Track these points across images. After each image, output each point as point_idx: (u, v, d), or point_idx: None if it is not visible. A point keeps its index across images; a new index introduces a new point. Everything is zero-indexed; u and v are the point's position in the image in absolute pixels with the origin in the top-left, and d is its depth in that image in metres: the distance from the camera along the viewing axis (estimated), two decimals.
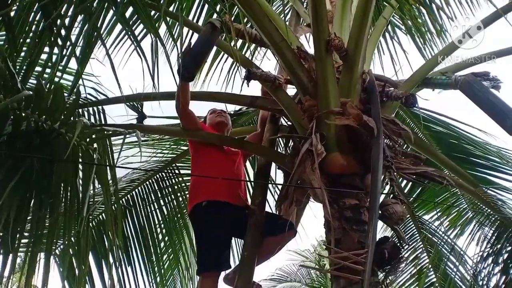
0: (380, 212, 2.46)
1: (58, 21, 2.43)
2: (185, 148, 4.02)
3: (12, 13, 2.51)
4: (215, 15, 3.44)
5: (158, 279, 3.92)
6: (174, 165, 4.20)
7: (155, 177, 4.10)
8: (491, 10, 3.03)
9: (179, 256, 4.10)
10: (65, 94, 2.57)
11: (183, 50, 2.67)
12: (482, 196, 3.56)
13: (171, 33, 2.78)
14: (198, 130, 3.13)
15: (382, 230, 3.80)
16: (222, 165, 3.08)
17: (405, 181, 4.21)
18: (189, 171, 3.98)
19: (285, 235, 2.92)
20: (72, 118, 2.40)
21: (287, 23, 3.78)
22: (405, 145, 3.32)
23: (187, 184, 4.01)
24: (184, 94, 2.95)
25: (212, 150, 3.12)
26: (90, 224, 3.51)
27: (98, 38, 2.55)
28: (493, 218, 3.83)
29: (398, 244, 2.61)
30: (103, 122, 2.86)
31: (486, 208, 3.74)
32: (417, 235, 4.22)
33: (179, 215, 4.11)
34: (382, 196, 2.61)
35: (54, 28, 2.45)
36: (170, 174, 4.12)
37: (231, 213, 2.95)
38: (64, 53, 2.60)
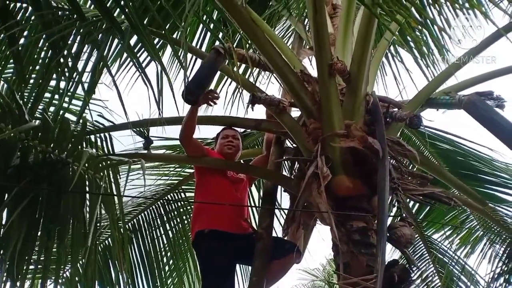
0: (388, 235, 2.44)
1: (65, 52, 2.47)
2: (191, 170, 4.04)
3: (21, 40, 2.56)
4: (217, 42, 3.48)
5: None
6: (179, 188, 4.21)
7: (160, 201, 4.11)
8: (492, 29, 3.04)
9: (183, 279, 4.08)
10: (73, 120, 2.61)
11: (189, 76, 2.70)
12: (490, 214, 3.52)
13: (179, 59, 2.81)
14: (203, 157, 3.13)
15: (391, 252, 3.76)
16: (225, 193, 3.07)
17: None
18: (193, 194, 3.98)
19: (291, 258, 2.90)
20: (79, 147, 2.43)
21: (290, 46, 3.83)
22: (412, 165, 3.31)
23: (193, 206, 4.01)
24: (190, 123, 2.96)
25: (217, 176, 3.12)
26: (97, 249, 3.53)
27: (104, 67, 2.60)
28: (504, 236, 3.79)
29: (408, 267, 2.58)
30: (110, 148, 2.88)
31: (496, 227, 3.70)
32: (427, 254, 4.17)
33: (183, 238, 4.12)
34: (390, 219, 2.59)
35: (61, 59, 2.50)
36: (176, 198, 4.12)
37: (234, 242, 2.93)
38: (71, 80, 2.64)
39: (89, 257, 2.48)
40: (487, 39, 3.07)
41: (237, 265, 3.40)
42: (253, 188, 4.12)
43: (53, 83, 2.82)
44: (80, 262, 2.70)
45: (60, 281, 2.77)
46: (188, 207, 4.14)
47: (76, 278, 2.83)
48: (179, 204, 4.16)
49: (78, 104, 3.20)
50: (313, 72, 3.00)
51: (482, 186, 4.06)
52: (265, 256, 2.87)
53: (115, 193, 2.49)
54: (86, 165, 2.37)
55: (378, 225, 2.42)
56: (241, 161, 3.59)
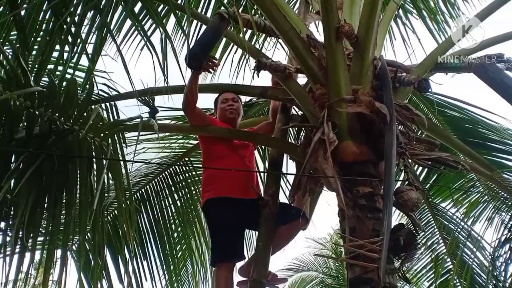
0: (394, 199, 2.44)
1: (68, 18, 2.44)
2: (196, 141, 4.04)
3: (23, 12, 2.53)
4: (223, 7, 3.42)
5: (171, 268, 3.98)
6: (186, 158, 4.22)
7: (168, 170, 4.14)
8: None
9: (192, 247, 4.16)
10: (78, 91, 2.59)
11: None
12: (498, 180, 3.50)
13: (181, 27, 2.77)
14: (208, 126, 3.11)
15: (398, 217, 3.77)
16: (233, 160, 3.07)
17: (420, 168, 4.17)
18: (201, 165, 4.00)
19: (297, 224, 2.93)
20: (85, 114, 2.42)
21: (296, 11, 3.76)
22: (419, 131, 3.28)
23: (200, 177, 4.04)
24: (192, 91, 2.91)
25: (223, 144, 3.11)
26: (106, 218, 3.58)
27: (108, 35, 2.56)
28: (510, 203, 3.79)
29: (414, 231, 2.58)
30: (115, 117, 2.88)
31: (503, 192, 3.69)
32: (433, 222, 4.19)
33: (192, 207, 4.16)
34: (398, 184, 2.58)
35: (64, 26, 2.46)
36: (183, 168, 4.15)
37: (243, 207, 2.96)
38: (75, 50, 2.62)
39: (96, 225, 2.50)
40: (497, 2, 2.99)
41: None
42: (258, 158, 4.12)
43: (56, 54, 2.80)
44: (89, 231, 2.73)
45: (69, 249, 2.81)
46: (196, 178, 4.17)
47: (86, 246, 2.88)
48: (187, 174, 4.19)
49: (82, 76, 3.19)
50: (320, 38, 2.95)
51: (490, 154, 4.03)
52: (271, 222, 2.89)
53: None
54: (93, 132, 2.37)
55: (385, 189, 2.42)
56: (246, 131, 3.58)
